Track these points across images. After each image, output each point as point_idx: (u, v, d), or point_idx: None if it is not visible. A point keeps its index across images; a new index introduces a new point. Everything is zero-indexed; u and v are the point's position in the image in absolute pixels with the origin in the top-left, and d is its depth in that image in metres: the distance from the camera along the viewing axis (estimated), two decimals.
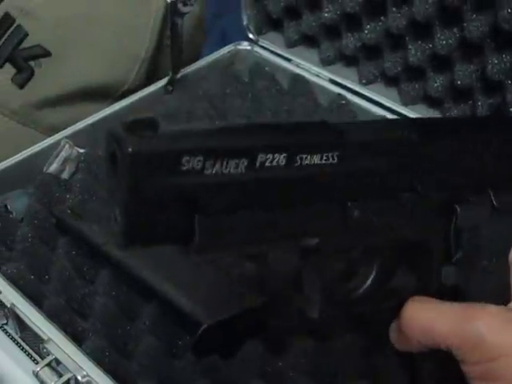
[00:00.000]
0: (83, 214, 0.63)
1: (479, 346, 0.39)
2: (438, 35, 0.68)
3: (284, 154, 0.37)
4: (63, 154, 0.71)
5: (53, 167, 0.71)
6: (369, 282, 0.44)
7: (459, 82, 0.68)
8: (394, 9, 0.70)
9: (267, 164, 0.36)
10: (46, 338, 0.52)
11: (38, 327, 0.53)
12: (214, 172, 0.34)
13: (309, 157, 0.38)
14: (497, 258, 0.46)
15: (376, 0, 0.70)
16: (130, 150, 0.31)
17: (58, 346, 0.51)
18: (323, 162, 0.38)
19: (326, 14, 0.76)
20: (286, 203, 0.38)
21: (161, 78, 0.79)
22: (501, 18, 0.61)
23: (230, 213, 0.36)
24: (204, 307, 0.53)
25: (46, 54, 0.74)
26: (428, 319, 0.42)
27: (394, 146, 0.42)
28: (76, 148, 0.71)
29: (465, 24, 0.65)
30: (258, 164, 0.36)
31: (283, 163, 0.37)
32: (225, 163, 0.35)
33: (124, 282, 0.59)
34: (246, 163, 0.36)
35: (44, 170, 0.70)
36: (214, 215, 0.35)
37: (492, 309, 0.40)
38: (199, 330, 0.51)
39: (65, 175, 0.71)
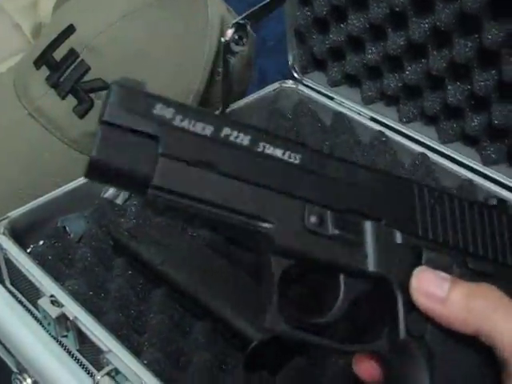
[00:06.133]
0: (139, 236, 0.67)
1: None
2: (476, 77, 0.71)
3: (248, 137, 0.40)
4: None
5: (109, 193, 0.75)
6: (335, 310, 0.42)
7: (496, 122, 0.71)
8: (434, 52, 0.73)
9: (231, 138, 0.40)
10: (106, 349, 0.55)
11: (100, 339, 0.56)
12: (180, 125, 0.39)
13: (271, 148, 0.41)
14: None
15: (417, 43, 0.74)
16: (116, 86, 0.38)
17: (119, 357, 0.54)
18: (285, 158, 0.41)
19: (369, 56, 0.80)
20: (248, 181, 0.40)
21: None
22: None
23: (192, 165, 0.39)
24: (255, 325, 0.56)
25: (106, 87, 0.77)
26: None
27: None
28: None
29: (503, 67, 0.68)
30: (222, 135, 0.40)
31: (246, 143, 0.40)
32: (192, 122, 0.39)
33: (177, 300, 0.62)
34: (211, 130, 0.39)
35: (101, 195, 0.74)
36: (177, 162, 0.38)
37: None
38: (250, 347, 0.55)
39: (119, 201, 0.75)
